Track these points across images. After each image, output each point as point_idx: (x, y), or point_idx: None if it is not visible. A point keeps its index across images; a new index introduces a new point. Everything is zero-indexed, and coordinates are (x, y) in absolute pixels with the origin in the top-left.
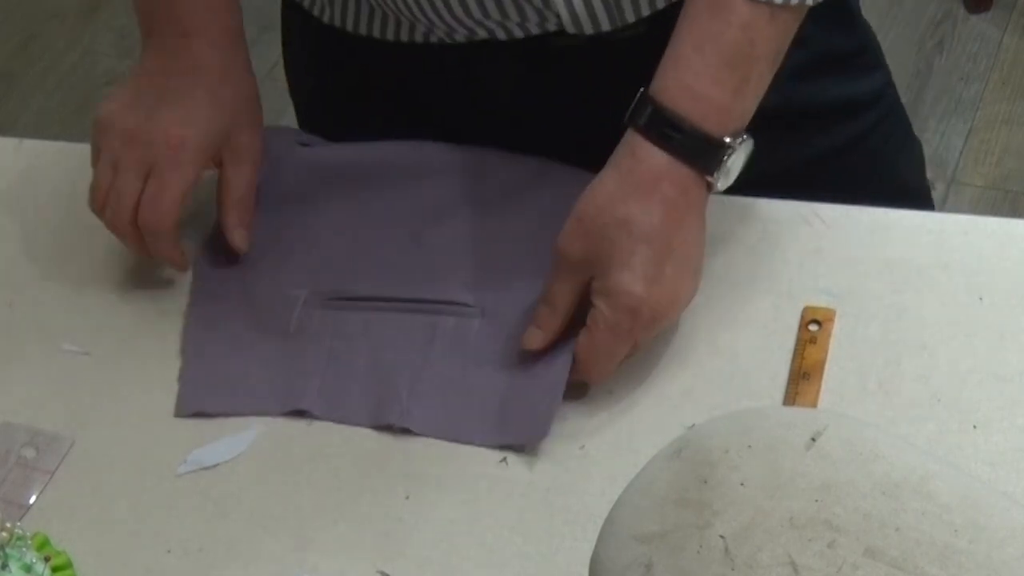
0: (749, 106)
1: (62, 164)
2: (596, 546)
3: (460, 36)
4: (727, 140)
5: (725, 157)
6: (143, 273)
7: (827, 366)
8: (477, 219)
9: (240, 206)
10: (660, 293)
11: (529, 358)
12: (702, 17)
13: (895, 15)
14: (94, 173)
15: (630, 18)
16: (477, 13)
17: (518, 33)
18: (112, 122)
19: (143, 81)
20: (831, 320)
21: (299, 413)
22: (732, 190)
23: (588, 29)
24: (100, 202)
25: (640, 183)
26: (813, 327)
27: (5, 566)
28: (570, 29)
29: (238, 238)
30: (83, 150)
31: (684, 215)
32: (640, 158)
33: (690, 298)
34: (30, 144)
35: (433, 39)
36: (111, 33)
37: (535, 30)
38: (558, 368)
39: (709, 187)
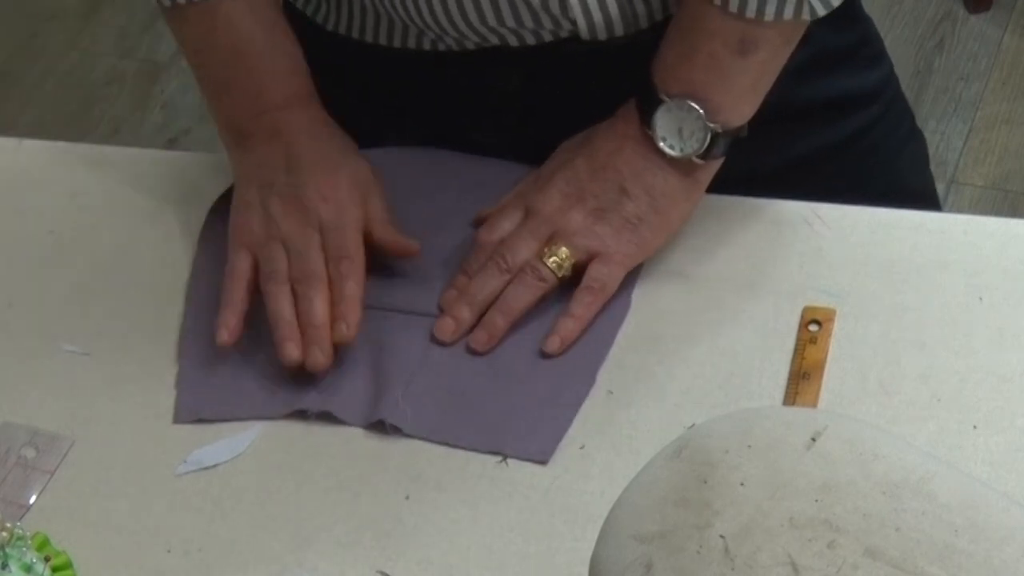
0: (699, 77)
1: (62, 164)
2: (596, 546)
3: (470, 44)
4: (662, 97)
5: (655, 113)
6: (143, 273)
7: (827, 366)
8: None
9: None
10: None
11: (530, 372)
12: None
13: (895, 15)
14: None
15: (644, 24)
16: (492, 20)
17: (531, 40)
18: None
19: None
20: (831, 320)
21: (297, 412)
22: (736, 187)
23: (603, 35)
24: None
25: (609, 120)
26: (813, 327)
27: (5, 566)
28: (585, 36)
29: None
30: (83, 150)
31: (623, 143)
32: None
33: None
34: (30, 144)
35: (441, 47)
36: (111, 33)
37: (548, 37)
38: (572, 393)
39: (656, 145)
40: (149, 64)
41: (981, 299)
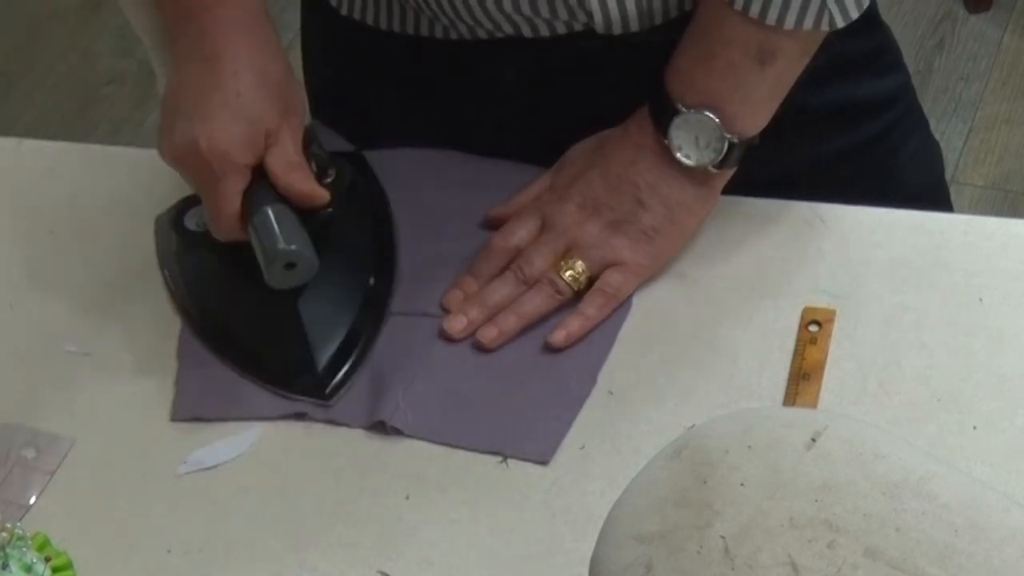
0: (716, 86)
1: (62, 164)
2: (596, 546)
3: (482, 33)
4: (679, 107)
5: (672, 123)
6: (143, 273)
7: (827, 366)
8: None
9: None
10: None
11: (531, 373)
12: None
13: (895, 15)
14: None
15: (658, 20)
16: (508, 7)
17: (544, 31)
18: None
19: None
20: (831, 320)
21: (296, 415)
22: (749, 190)
23: (617, 29)
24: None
25: (622, 127)
26: (813, 327)
27: (5, 566)
28: (600, 29)
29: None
30: (83, 150)
31: (637, 154)
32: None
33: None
34: (30, 144)
35: (453, 35)
36: (111, 33)
37: (561, 29)
38: (572, 393)
39: (671, 155)
40: (149, 64)
41: (981, 299)
